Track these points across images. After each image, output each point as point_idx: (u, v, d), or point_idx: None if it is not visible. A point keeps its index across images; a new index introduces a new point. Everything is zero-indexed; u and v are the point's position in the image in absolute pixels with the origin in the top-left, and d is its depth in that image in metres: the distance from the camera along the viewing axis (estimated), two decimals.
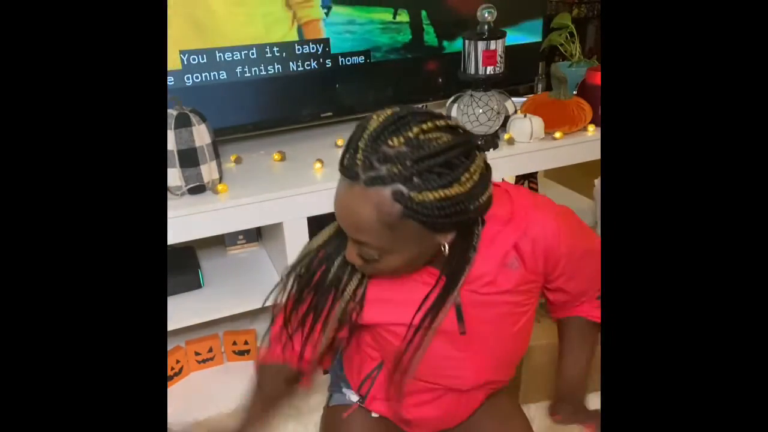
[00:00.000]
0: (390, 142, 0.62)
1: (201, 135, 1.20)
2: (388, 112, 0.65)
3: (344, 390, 0.99)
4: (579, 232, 0.86)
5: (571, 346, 0.94)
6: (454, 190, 0.63)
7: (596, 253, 0.86)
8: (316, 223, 1.33)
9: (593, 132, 1.55)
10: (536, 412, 1.37)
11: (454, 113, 1.42)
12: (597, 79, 1.55)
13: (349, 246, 0.72)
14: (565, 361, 0.93)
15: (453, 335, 0.82)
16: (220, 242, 1.64)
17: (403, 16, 1.56)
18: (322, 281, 0.79)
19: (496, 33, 1.31)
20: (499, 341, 0.85)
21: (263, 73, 1.45)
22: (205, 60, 1.38)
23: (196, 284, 1.44)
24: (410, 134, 0.62)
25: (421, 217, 0.64)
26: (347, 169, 0.64)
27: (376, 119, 0.64)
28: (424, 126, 0.63)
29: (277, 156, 1.44)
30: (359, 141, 0.63)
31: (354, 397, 0.97)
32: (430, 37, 1.62)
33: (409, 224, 0.65)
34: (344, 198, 0.65)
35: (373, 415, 0.97)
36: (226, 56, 1.39)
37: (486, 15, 1.31)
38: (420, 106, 0.82)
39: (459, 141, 0.64)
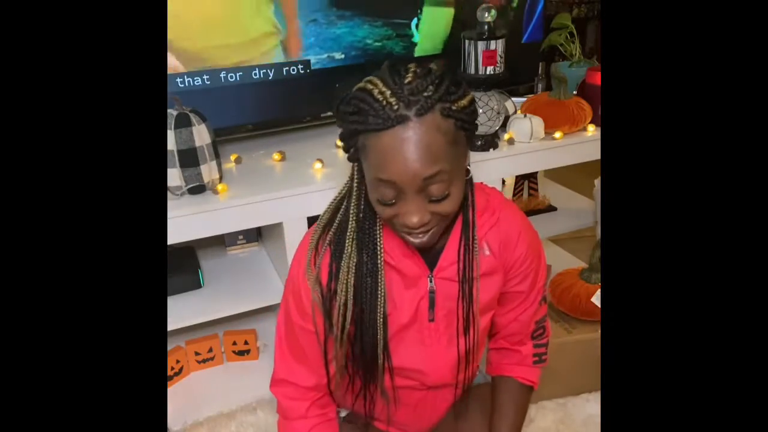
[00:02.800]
0: (407, 81, 0.67)
1: (201, 135, 1.20)
2: (381, 70, 0.70)
3: None
4: (538, 242, 0.92)
5: (505, 410, 0.96)
6: (470, 95, 0.71)
7: (542, 285, 0.93)
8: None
9: (593, 132, 1.55)
10: (536, 413, 1.38)
11: None
12: (597, 79, 1.55)
13: (413, 205, 0.70)
14: (498, 424, 0.95)
15: (421, 324, 0.84)
16: (220, 242, 1.64)
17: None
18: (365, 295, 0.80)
19: (496, 33, 1.31)
20: (462, 332, 0.87)
21: (262, 73, 1.45)
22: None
23: (196, 284, 1.44)
24: (411, 72, 0.69)
25: (466, 124, 0.70)
26: (396, 118, 0.66)
27: (378, 78, 0.69)
28: (411, 66, 0.70)
29: (277, 156, 1.44)
30: (381, 94, 0.66)
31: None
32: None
33: (460, 135, 0.70)
34: (406, 140, 0.66)
35: (342, 414, 0.98)
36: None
37: (486, 15, 1.31)
38: None
39: (444, 66, 0.72)
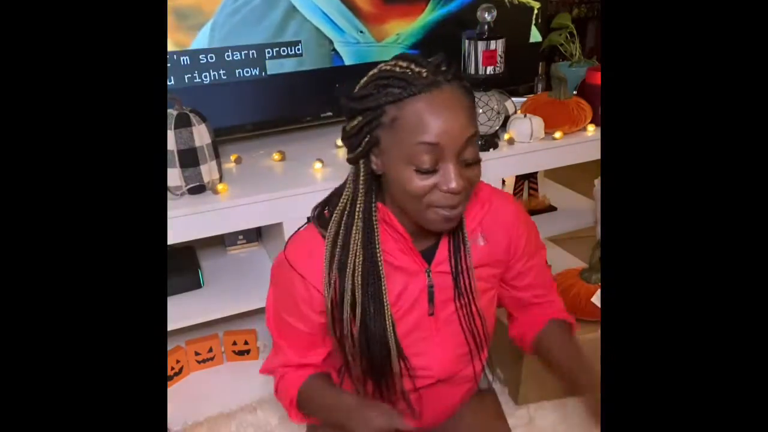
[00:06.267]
0: (422, 59, 0.71)
1: (201, 135, 1.20)
2: (391, 61, 0.73)
3: None
4: (533, 225, 0.93)
5: (564, 347, 0.91)
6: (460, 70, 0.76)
7: (544, 257, 0.95)
8: None
9: (593, 132, 1.55)
10: (536, 412, 1.38)
11: None
12: (597, 79, 1.55)
13: (454, 169, 0.71)
14: (564, 357, 0.90)
15: (422, 318, 0.84)
16: (220, 242, 1.64)
17: None
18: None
19: (496, 33, 1.31)
20: (462, 324, 0.87)
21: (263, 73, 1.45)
22: (211, 59, 1.38)
23: (196, 284, 1.44)
24: (418, 57, 0.73)
25: (472, 92, 0.74)
26: (430, 83, 0.68)
27: (391, 62, 0.73)
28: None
29: (277, 156, 1.44)
30: (406, 68, 0.70)
31: None
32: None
33: (473, 99, 0.74)
34: (446, 101, 0.69)
35: None
36: (227, 56, 1.40)
37: (486, 15, 1.31)
38: None
39: (439, 55, 0.75)
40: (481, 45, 1.31)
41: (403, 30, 1.57)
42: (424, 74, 0.68)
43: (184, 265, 1.47)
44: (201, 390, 1.48)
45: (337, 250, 0.78)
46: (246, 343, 1.55)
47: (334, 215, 0.80)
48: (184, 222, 1.19)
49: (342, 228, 0.79)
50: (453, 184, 0.70)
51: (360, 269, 0.78)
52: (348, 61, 1.54)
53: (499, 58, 1.34)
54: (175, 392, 1.47)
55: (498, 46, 1.32)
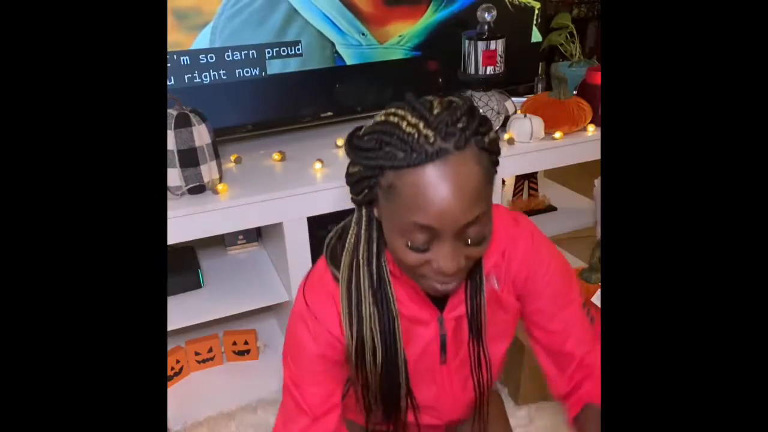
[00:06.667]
0: (436, 113, 0.60)
1: (201, 135, 1.20)
2: (402, 103, 0.64)
3: None
4: (557, 257, 0.82)
5: None
6: (495, 128, 0.65)
7: (577, 298, 0.82)
8: (316, 223, 1.33)
9: (593, 132, 1.55)
10: (536, 412, 1.38)
11: None
12: (597, 79, 1.55)
13: (449, 250, 0.63)
14: None
15: (433, 367, 0.81)
16: (220, 242, 1.64)
17: None
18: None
19: (496, 33, 1.31)
20: (476, 371, 0.82)
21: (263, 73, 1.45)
22: (211, 60, 1.38)
23: (196, 284, 1.44)
24: (437, 103, 0.62)
25: (496, 158, 0.65)
26: (434, 152, 0.58)
27: (401, 110, 0.62)
28: (431, 98, 0.64)
29: (277, 156, 1.44)
30: (412, 126, 0.60)
31: None
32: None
33: (492, 173, 0.65)
34: (447, 177, 0.59)
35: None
36: (227, 56, 1.40)
37: (486, 15, 1.31)
38: None
39: (463, 99, 0.65)
40: (481, 45, 1.31)
41: (405, 32, 1.57)
42: (431, 139, 0.59)
43: (184, 265, 1.47)
44: (201, 390, 1.48)
45: (353, 297, 0.73)
46: (246, 343, 1.55)
47: (344, 256, 0.74)
48: (184, 222, 1.19)
49: (353, 273, 0.73)
50: (446, 268, 0.64)
51: (376, 317, 0.73)
52: (350, 62, 1.54)
53: (499, 58, 1.34)
54: (175, 392, 1.47)
55: (498, 46, 1.32)
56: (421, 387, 0.81)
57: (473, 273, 0.76)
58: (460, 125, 0.60)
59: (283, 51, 1.45)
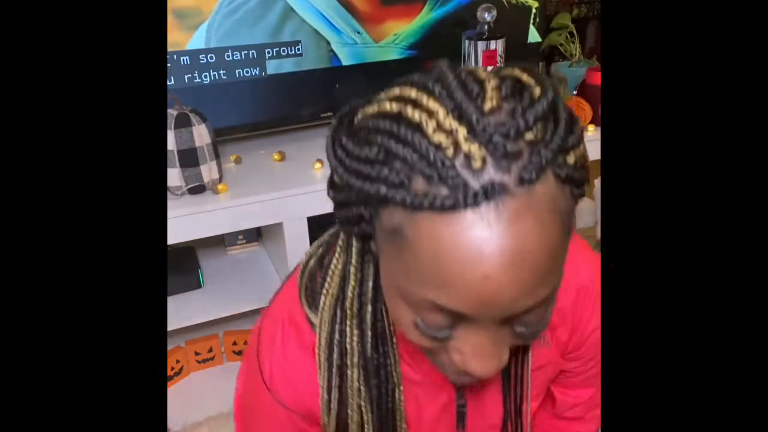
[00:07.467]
0: (488, 108, 0.35)
1: (201, 135, 1.20)
2: (430, 75, 0.39)
3: None
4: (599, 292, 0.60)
5: None
6: (581, 131, 0.40)
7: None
8: (316, 223, 1.33)
9: (593, 132, 1.55)
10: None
11: None
12: (597, 79, 1.55)
13: (487, 343, 0.41)
14: None
15: None
16: (220, 242, 1.64)
17: None
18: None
19: (495, 33, 1.31)
20: None
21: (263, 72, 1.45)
22: (210, 60, 1.38)
23: (196, 284, 1.44)
24: (491, 86, 0.37)
25: (581, 192, 0.41)
26: (479, 191, 0.34)
27: (427, 93, 0.37)
28: (482, 73, 0.38)
29: (277, 156, 1.44)
30: (442, 132, 0.35)
31: None
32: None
33: (573, 218, 0.41)
34: (504, 235, 0.35)
35: None
36: (227, 56, 1.40)
37: (486, 15, 1.31)
38: None
39: (540, 76, 0.40)
40: (480, 45, 1.31)
41: (400, 30, 1.57)
42: (477, 162, 0.34)
43: (184, 265, 1.46)
44: (201, 390, 1.48)
45: (334, 358, 0.52)
46: (246, 343, 1.55)
47: (324, 296, 0.52)
48: (184, 222, 1.19)
49: (336, 324, 0.52)
50: (476, 370, 0.41)
51: (366, 389, 0.52)
52: (345, 62, 1.54)
53: (499, 59, 1.34)
54: (175, 392, 1.47)
55: (498, 46, 1.32)
56: None
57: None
58: (529, 136, 0.36)
59: (283, 51, 1.45)
